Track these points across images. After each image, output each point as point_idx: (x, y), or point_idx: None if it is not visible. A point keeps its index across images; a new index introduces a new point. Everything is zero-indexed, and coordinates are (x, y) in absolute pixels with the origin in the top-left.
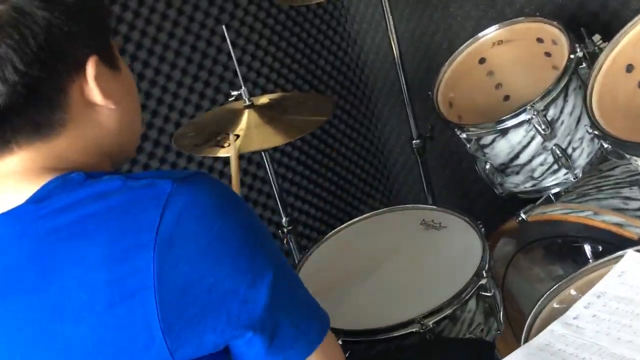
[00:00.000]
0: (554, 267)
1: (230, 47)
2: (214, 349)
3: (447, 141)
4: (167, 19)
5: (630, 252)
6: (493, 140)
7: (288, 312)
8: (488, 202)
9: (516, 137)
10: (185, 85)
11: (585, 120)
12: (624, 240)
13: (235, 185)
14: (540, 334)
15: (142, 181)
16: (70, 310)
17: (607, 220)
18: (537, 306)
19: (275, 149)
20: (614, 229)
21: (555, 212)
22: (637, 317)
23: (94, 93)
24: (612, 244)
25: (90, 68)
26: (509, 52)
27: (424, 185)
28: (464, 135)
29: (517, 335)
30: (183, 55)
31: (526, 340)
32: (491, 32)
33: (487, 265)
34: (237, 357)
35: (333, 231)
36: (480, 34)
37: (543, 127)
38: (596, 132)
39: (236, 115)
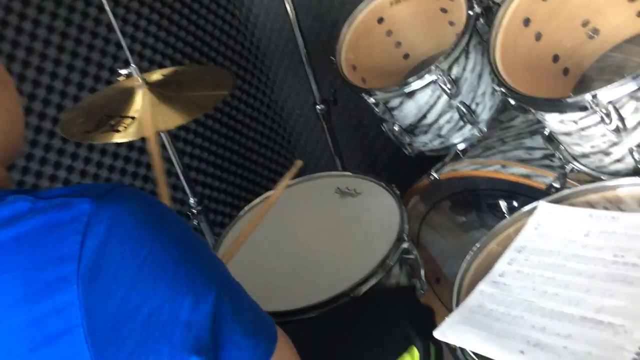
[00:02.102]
0: (460, 217)
1: (111, 17)
2: None
3: (351, 103)
4: None
5: (542, 204)
6: (401, 103)
7: (233, 331)
8: (397, 163)
9: (423, 98)
10: (63, 63)
11: (486, 76)
12: (533, 191)
13: (163, 189)
14: (470, 296)
15: (55, 200)
16: None
17: (515, 172)
18: (462, 266)
19: None
20: (523, 180)
21: (465, 168)
22: (559, 269)
23: None
24: (523, 195)
25: None
26: (406, 9)
27: (332, 151)
28: (372, 100)
29: (432, 287)
30: (56, 31)
31: (457, 304)
32: None
33: (406, 229)
34: None
35: (246, 208)
36: None
37: (448, 86)
38: (502, 90)
39: (129, 96)
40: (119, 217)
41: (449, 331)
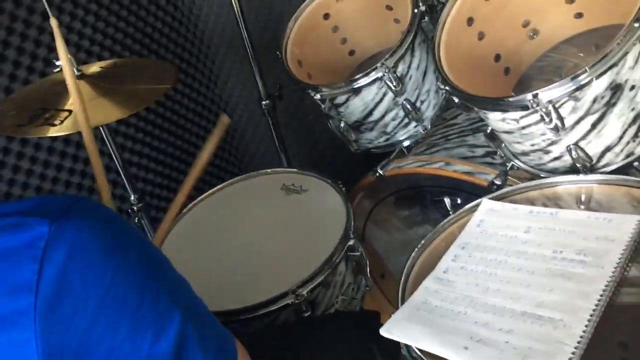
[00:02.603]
0: (403, 212)
1: (46, 5)
2: None
3: (296, 99)
4: None
5: (485, 201)
6: (347, 99)
7: (196, 356)
8: (343, 159)
9: (369, 95)
10: None
11: (430, 74)
12: (476, 187)
13: (102, 186)
14: (416, 293)
15: (8, 220)
16: None
17: (457, 169)
18: (408, 263)
19: None
20: (465, 177)
21: (410, 165)
22: (500, 265)
23: None
24: (466, 192)
25: None
26: (352, 6)
27: (278, 147)
28: (317, 96)
29: (377, 282)
30: None
31: (403, 301)
32: None
33: (352, 226)
34: None
35: (190, 204)
36: None
37: (394, 83)
38: (447, 88)
39: (64, 88)
40: (80, 241)
41: (394, 328)
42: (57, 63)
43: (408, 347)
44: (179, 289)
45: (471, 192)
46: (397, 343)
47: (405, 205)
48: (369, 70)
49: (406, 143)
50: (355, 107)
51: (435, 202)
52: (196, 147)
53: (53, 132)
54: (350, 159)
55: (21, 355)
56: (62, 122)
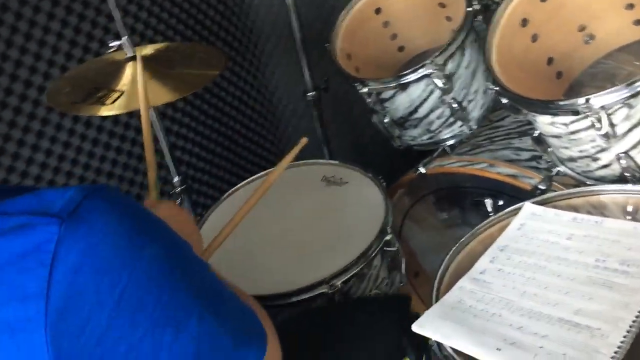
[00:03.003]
0: (443, 213)
1: None
2: None
3: (342, 93)
4: None
5: (527, 205)
6: (393, 95)
7: (220, 347)
8: (385, 155)
9: (416, 92)
10: (52, 31)
11: (480, 73)
12: (518, 191)
13: (150, 167)
14: (451, 291)
15: (14, 219)
16: None
17: (501, 172)
18: (444, 262)
19: None
20: (509, 180)
21: (452, 164)
22: (539, 270)
23: None
24: (508, 195)
25: None
26: (404, 1)
27: (320, 139)
28: (364, 90)
29: (411, 281)
30: None
31: (437, 299)
32: None
33: (390, 221)
34: None
35: (230, 190)
36: None
37: (442, 81)
38: (497, 89)
39: (118, 69)
40: (94, 241)
41: (427, 324)
42: (111, 44)
43: (439, 344)
44: (198, 280)
45: (513, 195)
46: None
47: (445, 206)
48: (417, 66)
49: (450, 142)
50: (401, 103)
51: (475, 205)
52: (239, 134)
53: (105, 111)
54: (392, 156)
55: None
56: (113, 102)
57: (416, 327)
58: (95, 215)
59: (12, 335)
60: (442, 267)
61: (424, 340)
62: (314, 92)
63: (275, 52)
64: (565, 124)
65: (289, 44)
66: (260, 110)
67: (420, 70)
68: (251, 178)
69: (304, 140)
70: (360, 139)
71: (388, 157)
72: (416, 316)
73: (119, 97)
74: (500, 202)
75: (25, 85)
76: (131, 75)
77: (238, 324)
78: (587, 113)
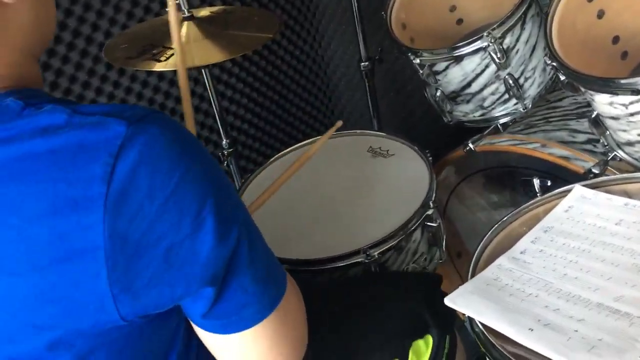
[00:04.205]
0: (492, 195)
1: None
2: (166, 309)
3: (396, 66)
4: None
5: (577, 187)
6: (447, 67)
7: (244, 274)
8: (435, 132)
9: (470, 65)
10: None
11: (539, 50)
12: (570, 174)
13: (190, 126)
14: (488, 268)
15: (91, 118)
16: (8, 263)
17: (554, 152)
18: (484, 240)
19: (214, 65)
20: (561, 161)
21: (503, 142)
22: (583, 254)
23: None
24: (559, 177)
25: None
26: None
27: (370, 110)
28: (417, 61)
29: (453, 260)
30: None
31: (473, 275)
32: None
33: (433, 196)
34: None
35: (277, 155)
36: None
37: (499, 55)
38: (554, 64)
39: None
40: (153, 145)
41: (460, 299)
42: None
43: (471, 319)
44: (238, 210)
45: (565, 178)
46: (453, 312)
47: (493, 187)
48: (474, 38)
49: (503, 120)
50: (454, 76)
51: (524, 186)
52: (292, 103)
53: (158, 67)
54: (442, 134)
55: (89, 236)
56: (167, 58)
57: (448, 301)
58: (159, 126)
59: (75, 210)
60: (481, 244)
61: (450, 320)
62: (367, 63)
63: (333, 21)
64: (625, 105)
65: (346, 14)
66: (314, 80)
67: (476, 43)
68: (295, 146)
69: (339, 123)
70: (411, 114)
71: (438, 135)
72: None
73: (172, 55)
74: (549, 183)
75: (87, 42)
76: (185, 34)
77: (266, 264)
78: None
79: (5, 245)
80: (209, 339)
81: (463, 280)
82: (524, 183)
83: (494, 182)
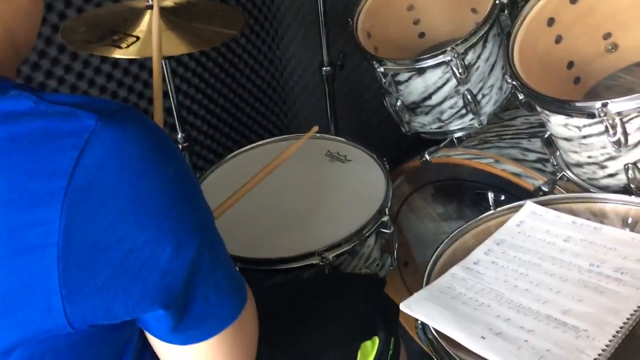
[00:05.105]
0: (439, 206)
1: None
2: (119, 321)
3: (356, 74)
4: None
5: (529, 203)
6: (409, 78)
7: (207, 286)
8: (391, 142)
9: (432, 78)
10: None
11: (498, 69)
12: (520, 190)
13: (158, 112)
14: (442, 277)
15: (59, 107)
16: None
17: (507, 169)
18: (439, 248)
19: (171, 58)
20: (513, 178)
21: (459, 156)
22: (533, 267)
23: None
24: (509, 193)
25: None
26: None
27: (329, 115)
28: (381, 69)
29: (400, 269)
30: None
31: (427, 282)
32: None
33: (389, 204)
34: (140, 325)
35: (231, 154)
36: None
37: (460, 70)
38: (515, 83)
39: (136, 15)
40: (122, 143)
41: (415, 305)
42: None
43: (424, 325)
44: (203, 219)
45: (514, 194)
46: (397, 316)
47: (443, 198)
48: (438, 52)
49: (458, 134)
50: (416, 87)
51: (474, 200)
52: (246, 103)
53: (118, 54)
54: (398, 144)
55: (43, 232)
56: (128, 46)
57: (404, 307)
58: (129, 122)
59: (32, 205)
60: (436, 253)
61: (394, 323)
62: (329, 68)
63: (294, 24)
64: (579, 127)
65: (309, 18)
66: (269, 81)
67: (439, 57)
68: (255, 144)
69: (314, 129)
70: (368, 123)
71: (393, 144)
72: (389, 299)
73: (133, 43)
74: (502, 197)
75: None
76: (148, 23)
77: (228, 275)
78: (603, 117)
79: None
80: (165, 350)
81: (408, 288)
82: (474, 196)
83: (442, 194)
